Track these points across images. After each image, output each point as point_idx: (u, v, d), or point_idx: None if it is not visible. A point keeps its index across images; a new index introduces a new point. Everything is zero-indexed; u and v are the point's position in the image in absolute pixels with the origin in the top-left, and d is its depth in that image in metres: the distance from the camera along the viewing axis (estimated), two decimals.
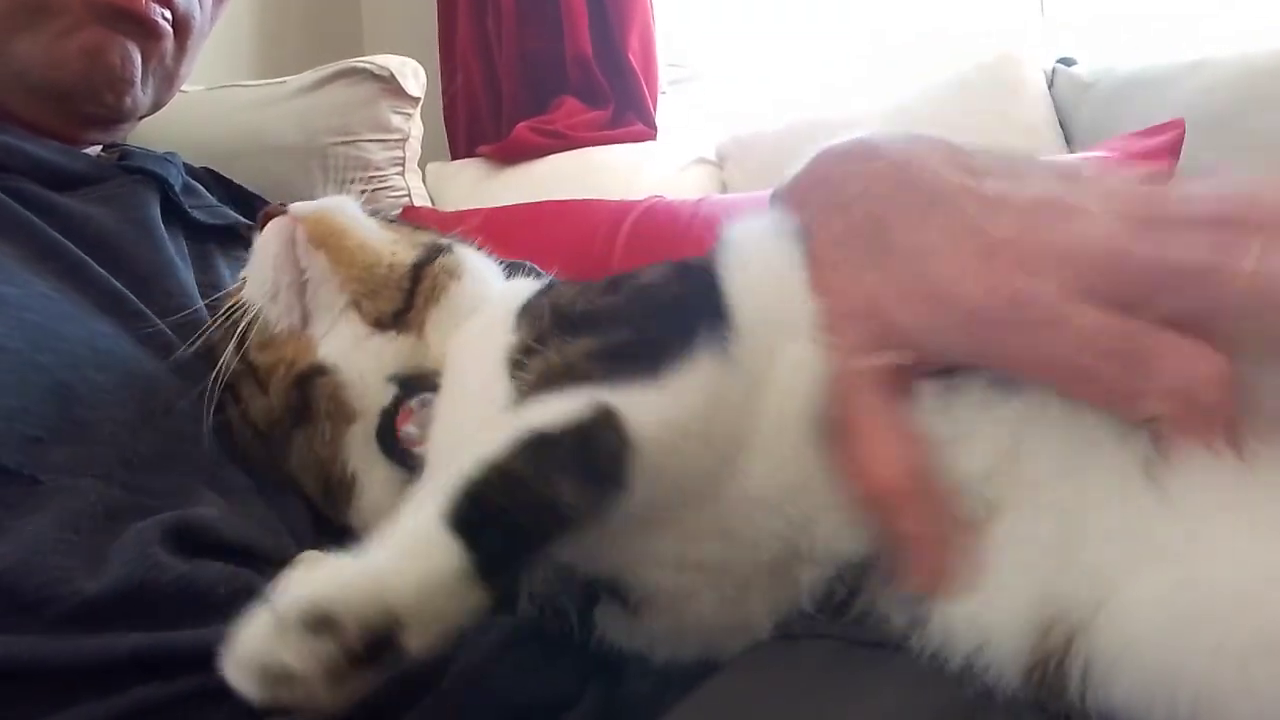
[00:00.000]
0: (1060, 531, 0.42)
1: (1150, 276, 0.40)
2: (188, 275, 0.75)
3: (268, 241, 0.66)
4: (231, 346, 0.64)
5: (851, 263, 0.47)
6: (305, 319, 0.64)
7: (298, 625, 0.38)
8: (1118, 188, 0.44)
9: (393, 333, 0.63)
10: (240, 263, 0.74)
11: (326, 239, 0.64)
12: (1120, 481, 0.41)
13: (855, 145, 0.51)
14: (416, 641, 0.40)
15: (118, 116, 0.86)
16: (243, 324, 0.64)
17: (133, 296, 0.68)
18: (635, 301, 0.54)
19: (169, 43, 0.85)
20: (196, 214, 0.83)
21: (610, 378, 0.47)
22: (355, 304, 0.63)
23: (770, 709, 0.47)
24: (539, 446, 0.44)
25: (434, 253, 0.66)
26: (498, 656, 0.51)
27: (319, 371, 0.62)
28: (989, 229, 0.43)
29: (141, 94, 0.85)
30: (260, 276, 0.65)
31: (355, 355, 0.62)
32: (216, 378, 0.64)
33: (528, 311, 0.57)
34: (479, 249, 0.71)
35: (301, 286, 0.64)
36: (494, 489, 0.43)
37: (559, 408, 0.46)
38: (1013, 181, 0.45)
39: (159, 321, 0.68)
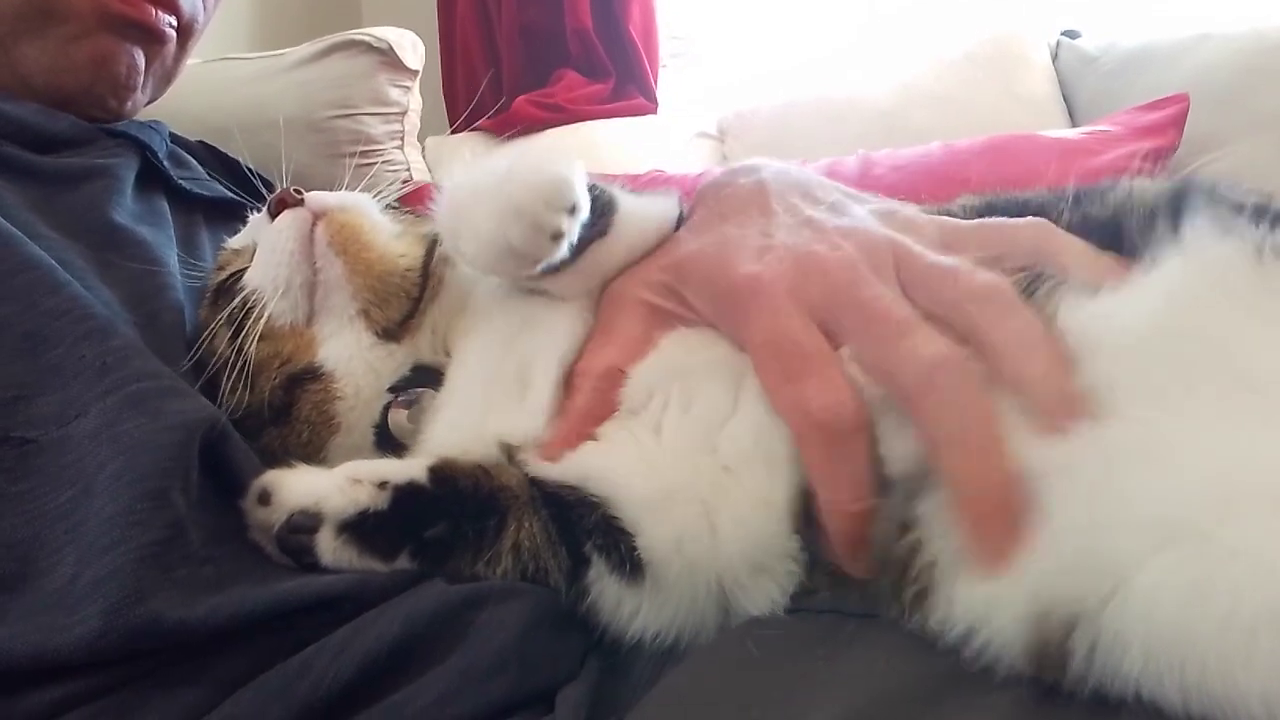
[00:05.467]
0: None
1: (840, 305, 0.52)
2: (155, 236, 0.71)
3: (283, 234, 0.63)
4: (228, 335, 0.62)
5: (688, 235, 0.61)
6: (310, 317, 0.63)
7: None
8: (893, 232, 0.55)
9: (394, 345, 0.63)
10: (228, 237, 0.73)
11: (349, 246, 0.63)
12: None
13: (743, 168, 0.64)
14: None
15: (115, 118, 0.85)
16: (242, 313, 0.62)
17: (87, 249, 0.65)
18: None
19: (172, 46, 0.85)
20: (184, 183, 0.81)
21: None
22: (364, 312, 0.63)
23: (762, 673, 0.48)
24: None
25: (434, 244, 0.66)
26: (515, 644, 0.51)
27: (312, 374, 0.61)
28: (776, 236, 0.56)
29: (141, 96, 0.85)
30: (271, 271, 0.63)
31: (355, 366, 0.62)
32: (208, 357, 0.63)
33: None
34: None
35: (313, 286, 0.63)
36: None
37: None
38: (828, 213, 0.57)
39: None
